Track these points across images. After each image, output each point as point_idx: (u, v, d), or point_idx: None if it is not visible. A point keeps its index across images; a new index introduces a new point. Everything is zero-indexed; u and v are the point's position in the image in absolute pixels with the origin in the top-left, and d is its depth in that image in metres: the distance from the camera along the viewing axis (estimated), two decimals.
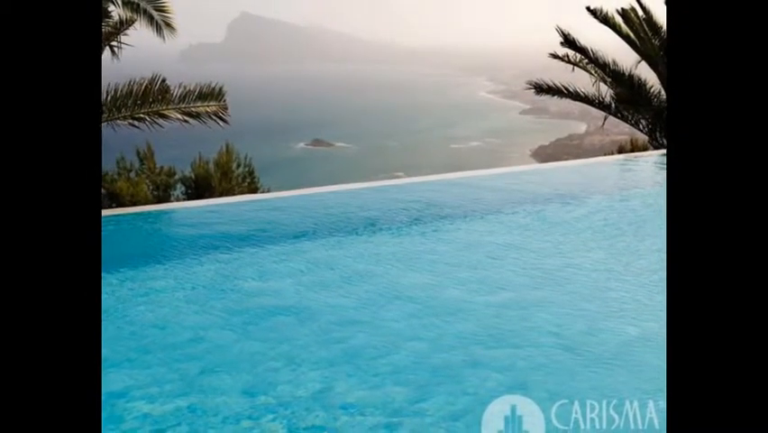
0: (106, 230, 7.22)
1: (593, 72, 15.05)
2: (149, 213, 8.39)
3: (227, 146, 12.01)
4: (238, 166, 12.21)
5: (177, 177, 11.82)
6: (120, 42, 9.96)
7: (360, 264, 6.33)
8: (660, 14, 14.52)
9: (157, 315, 5.13)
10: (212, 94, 9.93)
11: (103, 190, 10.87)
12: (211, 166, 11.75)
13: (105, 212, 8.35)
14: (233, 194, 11.20)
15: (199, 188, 11.51)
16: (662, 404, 3.57)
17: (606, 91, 15.01)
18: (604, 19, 14.63)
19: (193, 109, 9.85)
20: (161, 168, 11.75)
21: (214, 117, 9.92)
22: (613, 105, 15.00)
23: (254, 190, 12.03)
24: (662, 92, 14.80)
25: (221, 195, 11.01)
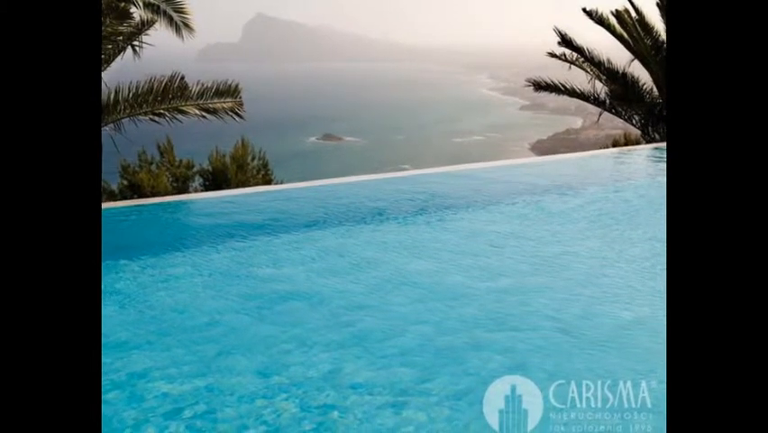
0: (129, 219, 7.27)
1: (589, 70, 15.03)
2: (168, 203, 8.40)
3: (243, 140, 11.99)
4: (253, 159, 12.19)
5: (195, 169, 11.82)
6: (141, 42, 9.94)
7: (368, 252, 6.30)
8: (652, 15, 14.46)
9: (176, 300, 5.13)
10: (228, 91, 9.92)
11: (125, 182, 10.90)
12: (227, 159, 11.74)
13: (127, 202, 8.38)
14: (249, 185, 11.18)
15: (216, 179, 11.51)
16: (654, 384, 3.55)
17: (601, 88, 15.05)
18: (599, 20, 14.58)
19: (210, 105, 9.83)
20: (180, 161, 11.75)
21: (230, 113, 9.91)
22: (607, 101, 14.99)
23: (268, 182, 12.02)
24: (654, 89, 14.79)
25: (237, 186, 10.99)
